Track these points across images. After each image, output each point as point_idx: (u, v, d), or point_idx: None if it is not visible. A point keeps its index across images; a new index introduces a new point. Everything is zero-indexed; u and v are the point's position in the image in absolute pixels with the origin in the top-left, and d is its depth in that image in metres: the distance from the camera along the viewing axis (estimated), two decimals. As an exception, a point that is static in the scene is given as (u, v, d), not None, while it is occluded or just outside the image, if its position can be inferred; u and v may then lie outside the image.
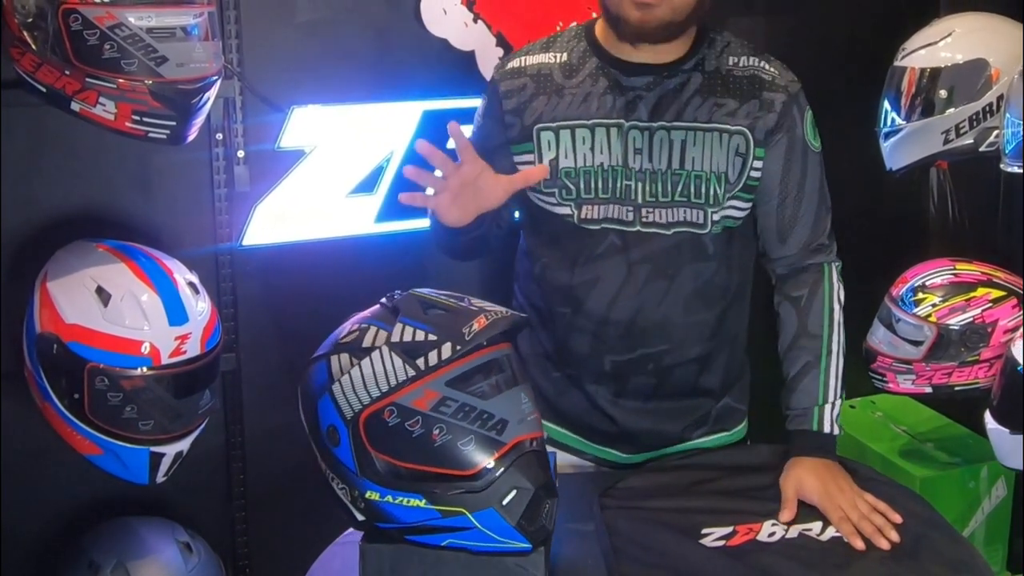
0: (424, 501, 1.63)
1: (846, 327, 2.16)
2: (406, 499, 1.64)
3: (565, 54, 2.16)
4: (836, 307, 2.16)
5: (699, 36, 2.12)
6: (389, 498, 1.64)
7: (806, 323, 2.14)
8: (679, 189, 2.08)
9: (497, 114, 2.16)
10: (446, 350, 1.63)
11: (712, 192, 2.09)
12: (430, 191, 2.05)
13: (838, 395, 2.11)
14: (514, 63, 2.19)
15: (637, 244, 2.11)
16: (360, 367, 1.64)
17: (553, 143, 2.11)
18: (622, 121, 2.08)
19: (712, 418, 2.27)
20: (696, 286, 2.13)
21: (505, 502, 1.63)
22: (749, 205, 2.14)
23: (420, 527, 1.66)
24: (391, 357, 1.63)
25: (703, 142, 2.08)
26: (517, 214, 2.25)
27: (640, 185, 2.09)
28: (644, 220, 2.10)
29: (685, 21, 2.04)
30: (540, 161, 2.12)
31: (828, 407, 2.09)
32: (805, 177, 2.14)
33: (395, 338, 1.65)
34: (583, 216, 2.12)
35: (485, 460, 1.63)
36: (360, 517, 1.70)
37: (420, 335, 1.65)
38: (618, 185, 2.09)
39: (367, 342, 1.67)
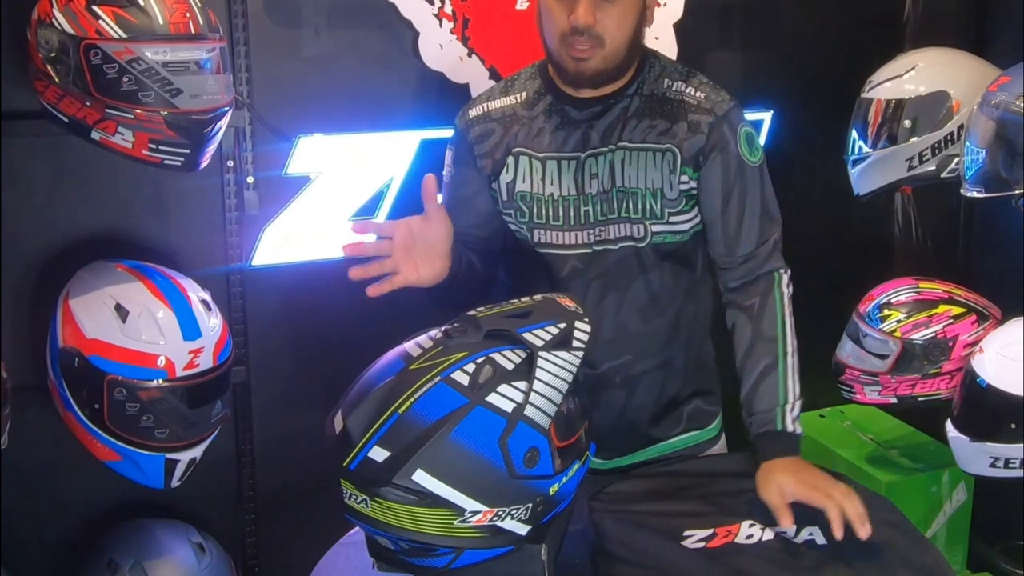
0: (579, 462, 1.67)
1: (816, 342, 2.14)
2: (573, 469, 1.66)
3: (524, 92, 2.17)
4: (787, 311, 2.11)
5: (640, 61, 2.12)
6: (564, 478, 1.63)
7: (760, 328, 2.09)
8: (622, 206, 2.09)
9: (469, 160, 2.15)
10: (583, 326, 1.66)
11: (648, 207, 2.09)
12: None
13: (797, 396, 2.06)
14: (476, 110, 2.19)
15: (593, 262, 2.12)
16: (538, 379, 1.58)
17: (512, 167, 2.13)
18: (579, 153, 2.09)
19: (684, 420, 2.25)
20: (649, 294, 2.14)
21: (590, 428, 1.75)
22: (692, 221, 2.13)
23: (574, 490, 1.68)
24: (555, 356, 1.61)
25: (637, 161, 2.08)
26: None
27: (596, 208, 2.10)
28: (598, 239, 2.11)
29: (617, 68, 2.06)
30: (514, 179, 2.12)
31: (789, 407, 2.04)
32: (745, 191, 2.11)
33: (537, 342, 1.61)
34: (535, 240, 2.13)
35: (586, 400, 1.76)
36: (523, 532, 1.61)
37: (551, 329, 1.64)
38: (573, 213, 2.11)
39: (508, 364, 1.60)
